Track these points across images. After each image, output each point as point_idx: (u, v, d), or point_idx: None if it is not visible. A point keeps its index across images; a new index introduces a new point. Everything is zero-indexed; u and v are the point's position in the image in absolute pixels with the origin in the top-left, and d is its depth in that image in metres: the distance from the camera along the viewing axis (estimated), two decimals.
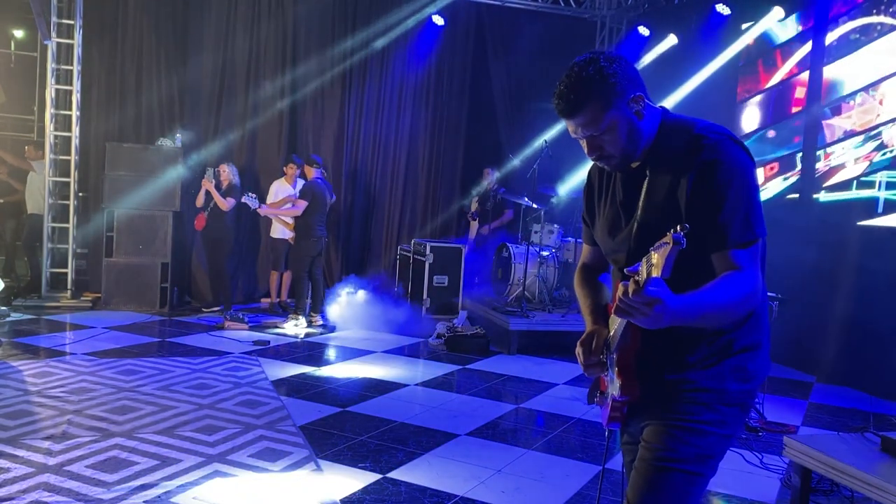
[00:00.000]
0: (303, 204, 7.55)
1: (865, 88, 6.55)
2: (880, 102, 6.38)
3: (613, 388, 1.89)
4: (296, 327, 7.48)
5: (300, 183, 8.30)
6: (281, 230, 8.33)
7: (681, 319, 1.59)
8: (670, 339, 1.82)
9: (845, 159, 6.69)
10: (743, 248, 1.72)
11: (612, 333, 1.89)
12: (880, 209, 6.28)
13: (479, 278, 8.92)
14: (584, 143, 1.87)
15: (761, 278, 1.77)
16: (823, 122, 6.97)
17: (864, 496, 2.92)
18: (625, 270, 1.60)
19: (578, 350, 1.96)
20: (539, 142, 8.64)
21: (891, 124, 6.25)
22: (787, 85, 7.47)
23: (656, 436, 1.83)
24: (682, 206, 1.76)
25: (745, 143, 1.85)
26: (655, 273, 1.49)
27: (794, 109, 7.35)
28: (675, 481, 1.79)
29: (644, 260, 1.55)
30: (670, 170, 1.81)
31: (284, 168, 8.47)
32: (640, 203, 1.86)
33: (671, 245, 1.45)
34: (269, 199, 8.34)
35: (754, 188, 1.77)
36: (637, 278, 1.55)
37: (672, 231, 1.45)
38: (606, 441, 2.11)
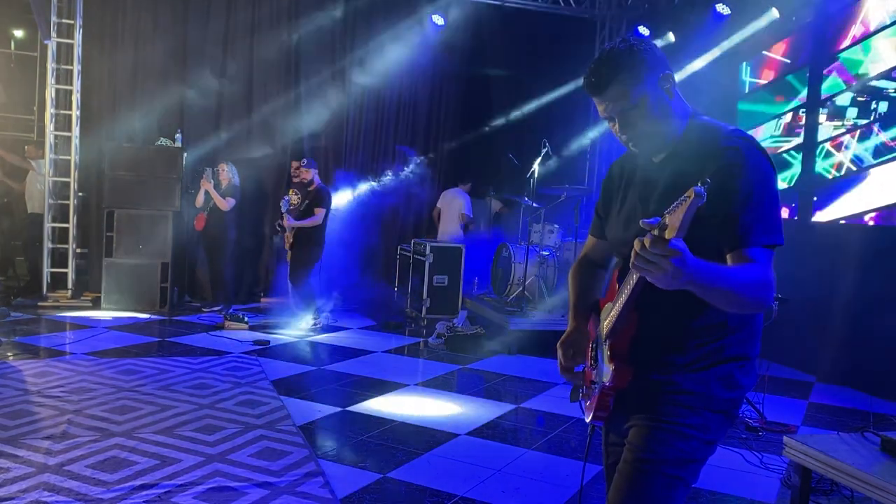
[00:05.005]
0: (322, 212, 7.49)
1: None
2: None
3: (605, 375, 1.88)
4: (307, 327, 7.51)
5: None
6: None
7: (696, 282, 1.55)
8: (661, 337, 1.82)
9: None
10: (761, 248, 1.71)
11: (604, 323, 1.89)
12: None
13: (479, 278, 8.94)
14: (614, 125, 1.86)
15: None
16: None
17: (863, 496, 2.92)
18: (641, 223, 1.54)
19: (560, 352, 2.00)
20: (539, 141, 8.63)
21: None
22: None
23: (639, 437, 1.83)
24: None
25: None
26: (669, 235, 1.46)
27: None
28: (656, 483, 1.79)
29: (657, 224, 1.50)
30: (692, 167, 1.79)
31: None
32: (657, 197, 1.85)
33: (692, 198, 1.41)
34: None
35: (776, 195, 1.77)
36: (654, 232, 1.51)
37: (693, 186, 1.42)
38: (589, 437, 2.11)
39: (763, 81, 7.81)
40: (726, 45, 8.01)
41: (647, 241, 1.50)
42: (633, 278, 1.70)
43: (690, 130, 1.87)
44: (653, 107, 1.81)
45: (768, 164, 1.78)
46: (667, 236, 1.46)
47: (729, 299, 1.66)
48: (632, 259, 1.55)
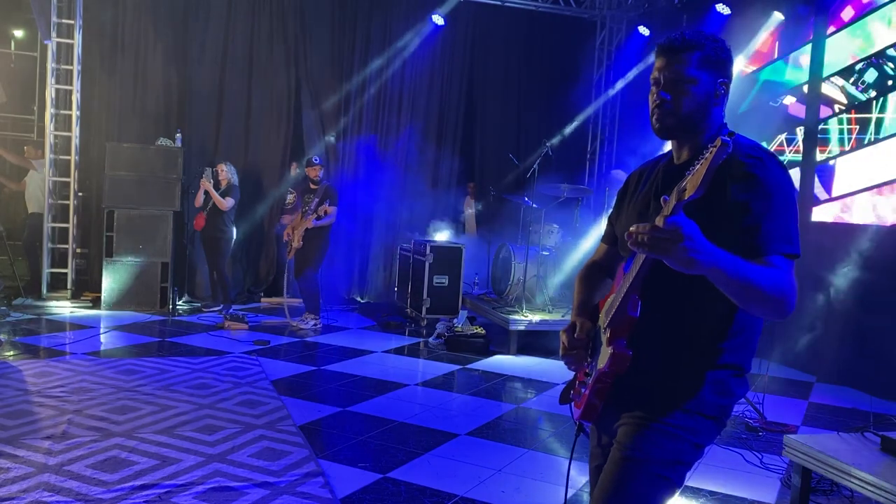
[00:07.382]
0: (336, 209, 7.47)
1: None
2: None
3: (602, 360, 1.86)
4: (309, 326, 7.49)
5: None
6: None
7: (718, 267, 1.53)
8: (662, 328, 1.83)
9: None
10: (781, 257, 1.70)
11: (604, 314, 1.91)
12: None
13: (479, 278, 8.95)
14: (656, 89, 1.89)
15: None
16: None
17: (863, 496, 2.92)
18: (661, 199, 1.56)
19: (563, 337, 2.01)
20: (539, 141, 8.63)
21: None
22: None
23: (628, 436, 1.83)
24: (717, 209, 1.74)
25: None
26: (689, 194, 1.44)
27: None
28: (641, 481, 1.78)
29: (675, 190, 1.51)
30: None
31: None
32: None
33: (718, 147, 1.39)
34: None
35: (796, 208, 1.78)
36: (664, 213, 1.51)
37: (721, 136, 1.42)
38: (575, 437, 2.11)
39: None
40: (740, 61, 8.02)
41: (658, 220, 1.50)
42: (638, 263, 1.71)
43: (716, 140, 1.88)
44: (698, 94, 1.85)
45: (788, 178, 1.80)
46: (685, 196, 1.46)
47: (751, 294, 1.62)
48: (641, 240, 1.52)
